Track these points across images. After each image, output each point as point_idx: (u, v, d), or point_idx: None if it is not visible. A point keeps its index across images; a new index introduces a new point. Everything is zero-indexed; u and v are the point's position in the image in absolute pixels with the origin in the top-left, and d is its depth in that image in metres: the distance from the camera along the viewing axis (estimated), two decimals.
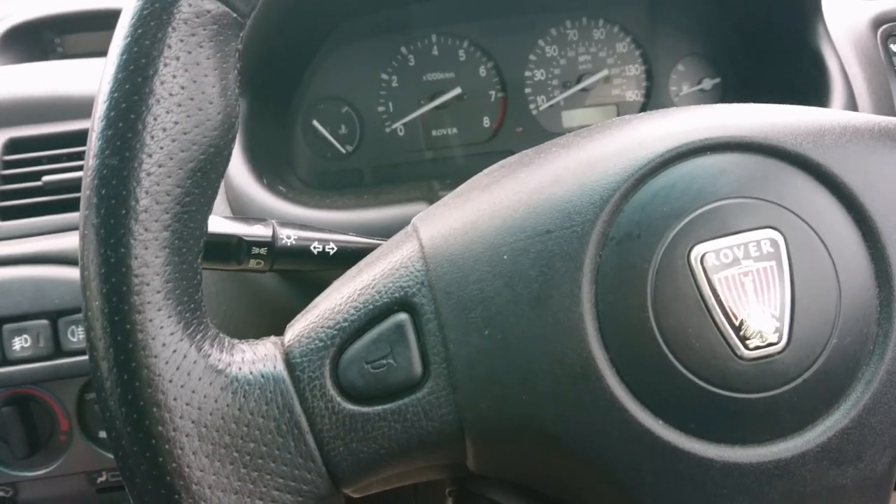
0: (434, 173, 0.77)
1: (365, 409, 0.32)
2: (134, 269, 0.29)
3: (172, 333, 0.30)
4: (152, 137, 0.30)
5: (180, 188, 0.30)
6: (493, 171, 0.37)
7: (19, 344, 0.60)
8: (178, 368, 0.30)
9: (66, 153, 0.66)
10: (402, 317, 0.33)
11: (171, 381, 0.30)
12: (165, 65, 0.30)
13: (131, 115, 0.29)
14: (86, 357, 0.61)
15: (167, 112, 0.30)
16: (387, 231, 0.52)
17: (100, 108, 0.30)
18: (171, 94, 0.30)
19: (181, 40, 0.30)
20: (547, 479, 0.34)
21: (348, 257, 0.47)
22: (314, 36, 0.73)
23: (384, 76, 0.76)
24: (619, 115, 0.78)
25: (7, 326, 0.60)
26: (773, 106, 0.35)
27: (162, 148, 0.30)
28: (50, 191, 0.64)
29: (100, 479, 0.69)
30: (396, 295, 0.33)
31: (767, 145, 0.33)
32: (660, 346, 0.31)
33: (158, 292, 0.30)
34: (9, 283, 0.61)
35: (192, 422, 0.30)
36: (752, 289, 0.31)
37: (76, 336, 0.61)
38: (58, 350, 0.61)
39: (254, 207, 0.59)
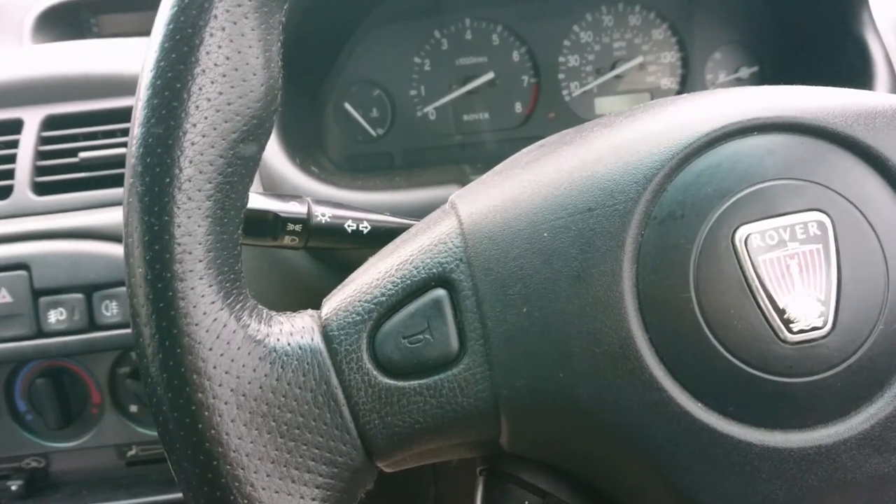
0: (464, 158, 0.77)
1: (401, 384, 0.32)
2: (177, 237, 0.30)
3: (213, 302, 0.30)
4: (197, 107, 0.30)
5: (223, 158, 0.31)
6: (533, 150, 0.37)
7: (55, 317, 0.61)
8: (217, 337, 0.30)
9: (102, 130, 0.67)
10: (440, 293, 0.33)
11: (210, 350, 0.30)
12: (211, 35, 0.30)
13: (177, 84, 0.30)
14: (119, 331, 0.62)
15: (212, 82, 0.30)
16: (418, 213, 0.52)
17: (146, 77, 0.30)
18: (215, 65, 0.30)
19: (227, 10, 0.30)
20: (581, 460, 0.34)
21: (382, 237, 0.47)
22: (348, 19, 0.73)
23: (417, 60, 0.76)
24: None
25: (43, 299, 0.61)
26: (822, 88, 0.35)
27: (206, 118, 0.30)
28: (86, 167, 0.64)
29: (129, 453, 0.70)
30: (434, 271, 0.33)
31: (817, 126, 0.32)
32: (701, 327, 0.30)
33: (200, 261, 0.30)
34: (45, 257, 0.62)
35: (231, 390, 0.30)
36: (798, 272, 0.30)
37: (110, 310, 0.61)
38: (92, 324, 0.61)
39: (287, 187, 0.59)
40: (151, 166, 0.30)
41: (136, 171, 0.30)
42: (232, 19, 0.30)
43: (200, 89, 0.30)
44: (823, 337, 0.30)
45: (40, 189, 0.64)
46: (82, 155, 0.64)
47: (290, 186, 0.59)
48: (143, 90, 0.30)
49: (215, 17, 0.30)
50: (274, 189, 0.60)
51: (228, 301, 0.31)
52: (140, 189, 0.30)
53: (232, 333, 0.31)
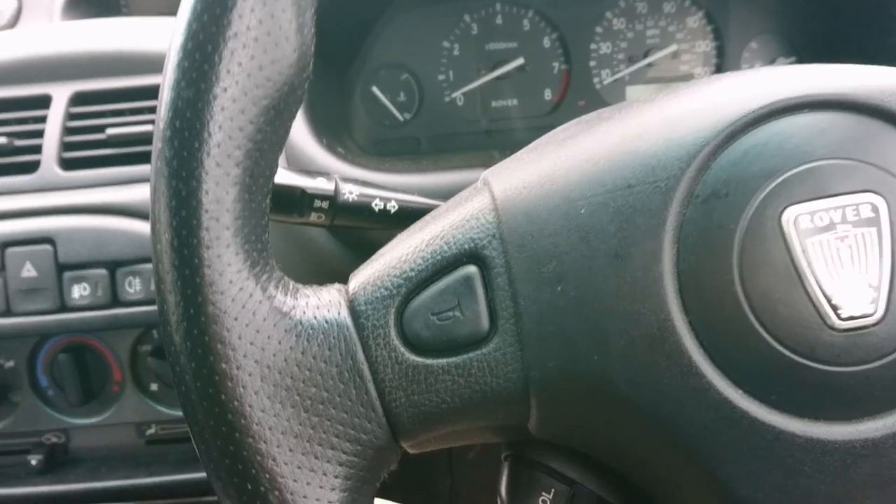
0: (491, 145, 0.76)
1: (428, 361, 0.31)
2: (204, 203, 0.29)
3: (239, 271, 0.30)
4: (228, 71, 0.29)
5: (253, 125, 0.30)
6: (570, 126, 0.36)
7: (78, 292, 0.61)
8: (243, 307, 0.29)
9: (129, 108, 0.66)
10: (471, 269, 0.32)
11: (236, 319, 0.29)
12: None
13: (208, 46, 0.29)
14: (141, 308, 0.62)
15: (244, 46, 0.29)
16: (446, 195, 0.51)
17: (177, 40, 0.29)
18: (248, 28, 0.29)
19: None
20: (612, 447, 0.33)
21: (409, 217, 0.47)
22: (380, 1, 0.72)
23: (446, 44, 0.75)
24: None
25: (67, 274, 0.61)
26: (875, 66, 0.33)
27: (237, 82, 0.29)
28: (113, 143, 0.64)
29: (149, 432, 0.70)
30: (466, 246, 0.32)
31: (871, 105, 0.31)
32: (744, 311, 0.29)
33: (227, 228, 0.29)
34: (70, 232, 0.61)
35: (255, 361, 0.29)
36: (848, 255, 0.29)
37: (133, 287, 0.61)
38: (115, 300, 0.61)
39: (313, 167, 0.59)
40: (180, 130, 0.29)
41: (165, 135, 0.29)
42: None
43: (232, 53, 0.29)
44: (874, 324, 0.29)
45: (67, 164, 0.64)
46: (110, 131, 0.64)
47: (316, 167, 0.59)
48: (173, 53, 0.29)
49: None
50: (300, 168, 0.60)
51: (255, 271, 0.30)
52: (168, 153, 0.29)
53: (258, 304, 0.30)
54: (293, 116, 0.32)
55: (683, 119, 0.32)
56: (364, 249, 0.60)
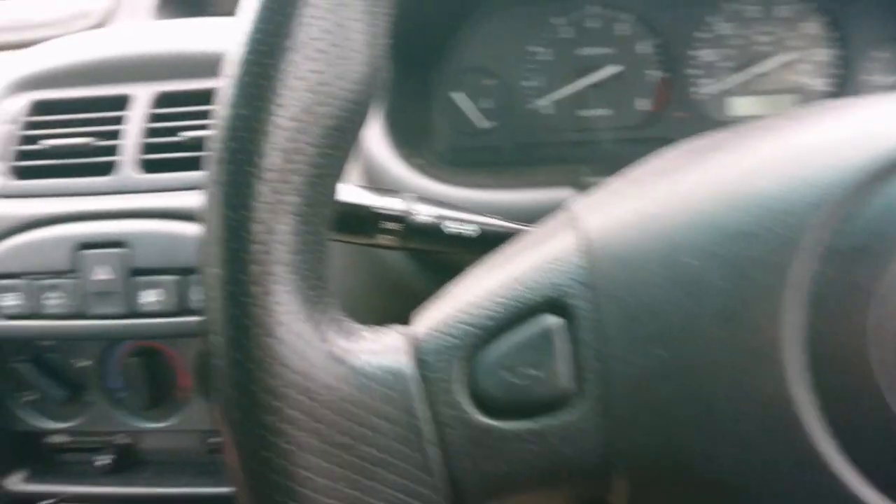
0: (579, 157, 0.71)
1: (499, 425, 0.27)
2: (256, 234, 0.26)
3: (291, 312, 0.26)
4: (290, 88, 0.26)
5: (314, 147, 0.27)
6: (675, 155, 0.31)
7: (149, 297, 0.60)
8: (294, 352, 0.26)
9: (206, 110, 0.65)
10: (554, 320, 0.27)
11: (285, 367, 0.26)
12: (309, 5, 0.26)
13: (269, 59, 0.26)
14: None
15: (307, 59, 0.26)
16: (528, 216, 0.46)
17: (236, 52, 0.27)
18: (312, 39, 0.26)
19: None
20: None
21: (486, 242, 0.43)
22: (464, 2, 0.68)
23: (533, 48, 0.71)
24: (800, 104, 0.69)
25: (140, 279, 0.60)
26: None
27: (299, 100, 0.26)
28: (189, 146, 0.63)
29: (212, 440, 0.69)
30: (549, 293, 0.28)
31: None
32: (881, 392, 0.24)
33: (281, 264, 0.26)
34: (144, 236, 0.61)
35: (306, 415, 0.26)
36: None
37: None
38: (184, 307, 0.60)
39: (387, 179, 0.56)
40: (234, 152, 0.26)
41: (219, 157, 0.26)
42: None
43: (294, 67, 0.26)
44: None
45: (144, 167, 0.63)
46: (185, 134, 0.63)
47: (392, 179, 0.56)
48: (232, 66, 0.27)
49: None
50: (374, 181, 0.57)
51: (310, 310, 0.27)
52: (220, 178, 0.26)
53: (311, 349, 0.27)
54: (357, 138, 0.29)
55: (817, 154, 0.26)
56: (440, 267, 0.57)
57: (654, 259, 0.26)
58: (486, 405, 0.27)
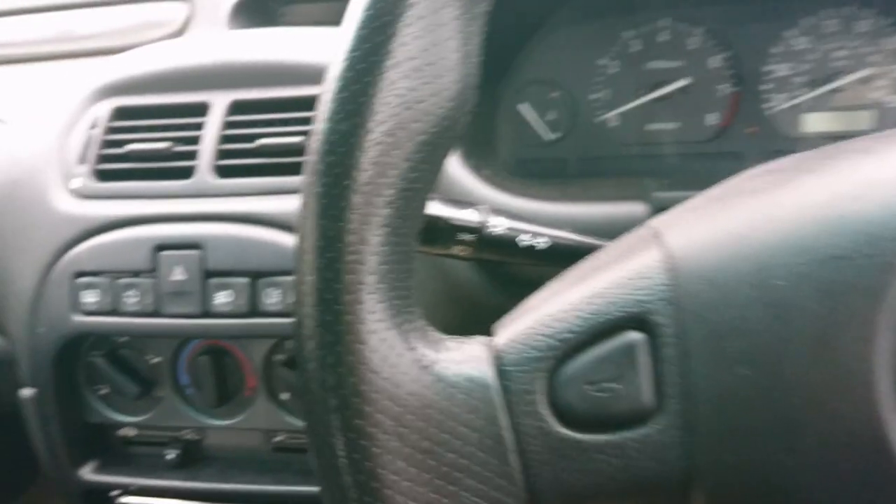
0: (645, 171, 0.70)
1: (580, 437, 0.28)
2: (350, 245, 0.27)
3: (381, 320, 0.27)
4: (386, 104, 0.27)
5: (408, 162, 0.28)
6: (762, 175, 0.31)
7: (221, 298, 0.62)
8: (383, 359, 0.27)
9: (281, 118, 0.67)
10: (636, 336, 0.28)
11: (375, 373, 0.27)
12: (408, 24, 0.27)
13: (367, 77, 0.27)
14: (278, 320, 0.62)
15: (404, 77, 0.27)
16: (595, 229, 0.47)
17: (337, 68, 0.28)
18: (409, 58, 0.27)
19: None
20: None
21: (558, 255, 0.43)
22: (534, 15, 0.69)
23: (602, 61, 0.71)
24: (877, 122, 0.67)
25: (213, 280, 0.62)
26: None
27: (395, 116, 0.27)
28: (263, 153, 0.65)
29: (276, 439, 0.70)
30: (633, 310, 0.28)
31: None
32: None
33: (373, 274, 0.27)
34: (217, 239, 0.63)
35: (392, 419, 0.27)
36: None
37: (272, 298, 0.62)
38: (254, 309, 0.62)
39: (457, 189, 0.57)
40: (332, 166, 0.27)
41: (317, 169, 0.27)
42: (433, 7, 0.27)
43: (392, 84, 0.27)
44: None
45: (220, 172, 0.66)
46: (260, 141, 0.65)
47: (461, 190, 0.56)
48: (332, 81, 0.28)
49: (415, 3, 0.27)
50: (445, 192, 0.57)
51: (398, 319, 0.28)
52: (318, 190, 0.27)
53: (398, 356, 0.28)
54: (447, 154, 0.29)
55: None
56: (509, 282, 0.57)
57: (742, 279, 0.26)
58: (567, 417, 0.28)
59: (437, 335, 0.30)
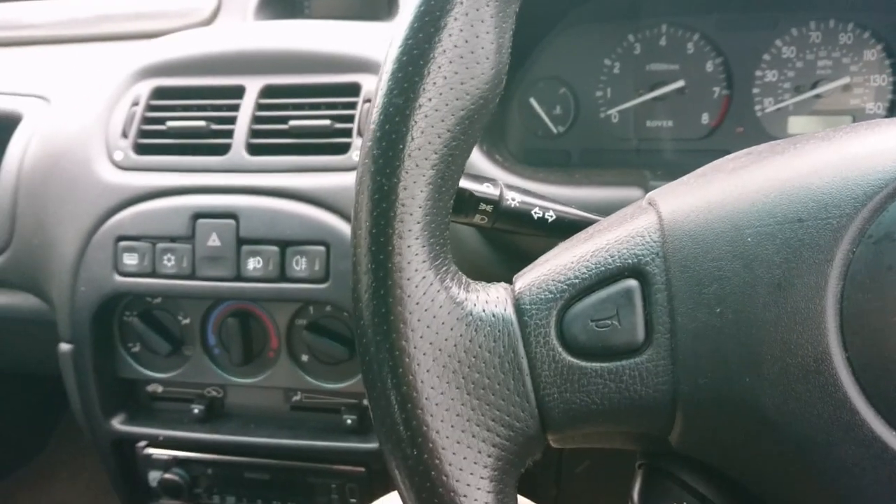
0: (642, 164, 0.77)
1: (583, 364, 0.34)
2: (401, 198, 0.33)
3: (424, 261, 0.33)
4: (434, 83, 0.33)
5: (450, 132, 0.33)
6: (740, 156, 0.37)
7: (252, 264, 0.68)
8: (424, 294, 0.33)
9: (309, 102, 0.73)
10: (632, 283, 0.34)
11: (417, 304, 0.33)
12: (455, 19, 0.33)
13: (420, 61, 0.33)
14: (304, 285, 0.68)
15: (450, 62, 0.33)
16: (597, 210, 0.53)
17: (393, 52, 0.34)
18: (455, 46, 0.33)
19: None
20: (751, 468, 0.34)
21: (565, 227, 0.49)
22: (548, 16, 0.75)
23: (607, 62, 0.77)
24: None
25: (245, 247, 0.68)
26: None
27: (440, 94, 0.33)
28: (294, 134, 0.71)
29: (294, 398, 0.76)
30: (629, 261, 0.34)
31: None
32: None
33: (418, 223, 0.33)
34: (250, 210, 0.69)
35: (430, 343, 0.33)
36: None
37: (299, 265, 0.67)
38: (282, 275, 0.68)
39: (473, 171, 0.62)
40: (388, 132, 0.33)
41: (375, 135, 0.33)
42: (475, 5, 0.33)
43: (439, 67, 0.33)
44: None
45: (253, 150, 0.71)
46: (292, 123, 0.71)
47: (476, 171, 0.62)
48: (390, 63, 0.34)
49: (461, 2, 0.33)
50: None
51: (436, 262, 0.34)
52: (375, 152, 0.33)
53: (436, 293, 0.34)
54: (482, 128, 0.35)
55: (862, 159, 0.32)
56: (511, 253, 0.63)
57: (718, 237, 0.33)
58: (573, 348, 0.34)
59: (467, 279, 0.36)
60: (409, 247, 0.33)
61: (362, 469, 0.74)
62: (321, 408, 0.75)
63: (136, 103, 0.76)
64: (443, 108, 0.33)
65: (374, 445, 0.73)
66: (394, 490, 0.59)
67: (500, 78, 0.35)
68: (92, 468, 1.42)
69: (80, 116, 0.78)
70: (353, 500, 0.76)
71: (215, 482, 0.79)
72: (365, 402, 0.74)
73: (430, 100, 0.33)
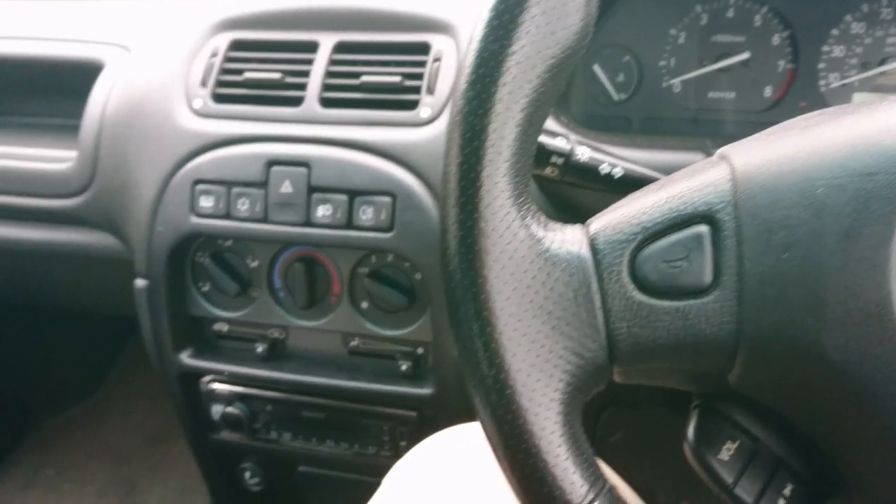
0: (702, 134, 0.78)
1: (652, 301, 0.36)
2: (492, 138, 0.35)
3: (509, 198, 0.36)
4: (527, 32, 0.35)
5: (539, 79, 0.36)
6: (811, 116, 0.39)
7: (322, 212, 0.71)
8: (507, 228, 0.36)
9: (380, 59, 0.76)
10: (703, 228, 0.36)
11: (500, 236, 0.36)
12: None
13: (515, 10, 0.35)
14: (369, 234, 0.71)
15: (543, 12, 0.35)
16: (660, 171, 0.55)
17: (490, 3, 0.36)
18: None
19: None
20: (809, 409, 0.36)
21: (630, 183, 0.51)
22: None
23: (673, 31, 0.78)
24: None
25: (315, 195, 0.72)
26: None
27: (533, 42, 0.35)
28: (365, 89, 0.74)
29: (352, 343, 0.80)
30: (701, 209, 0.36)
31: None
32: None
33: (506, 162, 0.36)
34: (322, 160, 0.72)
35: (511, 273, 0.36)
36: None
37: (366, 214, 0.71)
38: (349, 223, 0.71)
39: None
40: (482, 76, 0.35)
41: (470, 78, 0.36)
42: None
43: (532, 17, 0.35)
44: None
45: (325, 103, 0.74)
46: (363, 78, 0.74)
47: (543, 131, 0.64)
48: (486, 12, 0.36)
49: None
50: None
51: (519, 201, 0.37)
52: (469, 93, 0.36)
53: (518, 228, 0.36)
54: (568, 78, 0.38)
55: None
56: (571, 212, 0.65)
57: (789, 187, 0.34)
58: (644, 285, 0.36)
59: (546, 219, 0.38)
60: (496, 183, 0.36)
61: (414, 413, 0.78)
62: (377, 353, 0.79)
63: (214, 54, 0.79)
64: (534, 56, 0.36)
65: (426, 391, 0.77)
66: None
67: (588, 30, 0.37)
68: (144, 411, 1.50)
69: (161, 66, 0.82)
70: (403, 443, 0.80)
71: (273, 418, 0.83)
72: (419, 350, 0.78)
73: (522, 47, 0.35)
